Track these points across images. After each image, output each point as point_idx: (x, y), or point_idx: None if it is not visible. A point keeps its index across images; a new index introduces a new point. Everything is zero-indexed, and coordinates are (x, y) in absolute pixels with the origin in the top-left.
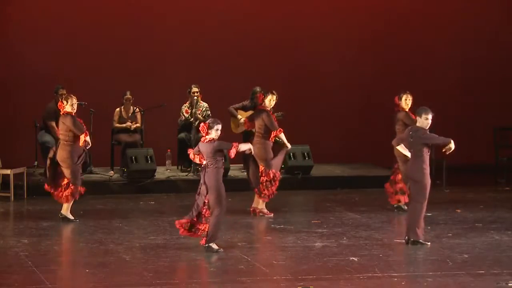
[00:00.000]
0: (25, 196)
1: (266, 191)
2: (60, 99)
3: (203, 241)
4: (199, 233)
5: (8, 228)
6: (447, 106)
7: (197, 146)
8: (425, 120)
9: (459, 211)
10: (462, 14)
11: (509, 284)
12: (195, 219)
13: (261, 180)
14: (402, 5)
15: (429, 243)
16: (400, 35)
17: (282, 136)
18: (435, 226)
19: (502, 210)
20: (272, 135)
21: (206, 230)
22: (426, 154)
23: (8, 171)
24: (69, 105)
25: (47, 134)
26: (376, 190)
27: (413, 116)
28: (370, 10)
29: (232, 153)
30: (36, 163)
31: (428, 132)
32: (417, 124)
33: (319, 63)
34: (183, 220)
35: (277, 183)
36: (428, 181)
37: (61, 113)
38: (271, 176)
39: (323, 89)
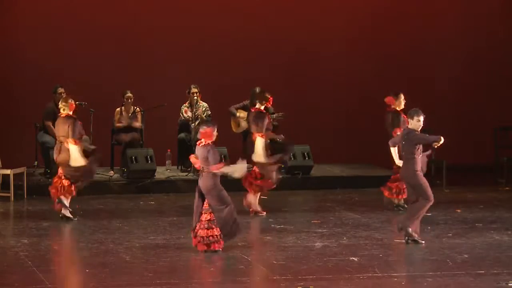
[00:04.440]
0: (25, 196)
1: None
2: (58, 101)
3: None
4: (214, 241)
5: (8, 228)
6: (447, 106)
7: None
8: (417, 122)
9: (459, 211)
10: (462, 13)
11: (509, 284)
12: (197, 228)
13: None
14: (402, 4)
15: (420, 238)
16: (400, 35)
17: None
18: (435, 226)
19: (502, 210)
20: (254, 135)
21: (218, 234)
22: (418, 156)
23: (8, 171)
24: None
25: (47, 134)
26: (376, 190)
27: (404, 116)
28: (371, 10)
29: (214, 169)
30: (36, 163)
31: (418, 133)
32: (409, 126)
33: (319, 63)
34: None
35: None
36: (423, 180)
37: (61, 116)
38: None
39: (323, 89)
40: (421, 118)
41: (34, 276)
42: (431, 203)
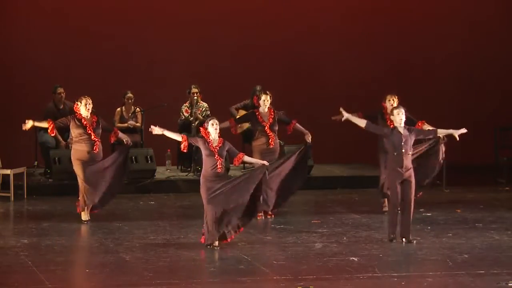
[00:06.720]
0: (25, 196)
1: None
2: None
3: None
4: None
5: (8, 228)
6: (447, 106)
7: None
8: (397, 115)
9: (459, 211)
10: (462, 13)
11: (509, 284)
12: None
13: None
14: (402, 4)
15: (391, 242)
16: (400, 35)
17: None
18: (435, 226)
19: (502, 210)
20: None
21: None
22: (390, 154)
23: (8, 171)
24: (83, 106)
25: (47, 134)
26: (376, 190)
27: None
28: (370, 10)
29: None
30: (36, 163)
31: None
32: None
33: (319, 62)
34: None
35: None
36: (389, 180)
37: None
38: None
39: (323, 89)
40: (399, 111)
41: (34, 276)
42: (393, 206)
